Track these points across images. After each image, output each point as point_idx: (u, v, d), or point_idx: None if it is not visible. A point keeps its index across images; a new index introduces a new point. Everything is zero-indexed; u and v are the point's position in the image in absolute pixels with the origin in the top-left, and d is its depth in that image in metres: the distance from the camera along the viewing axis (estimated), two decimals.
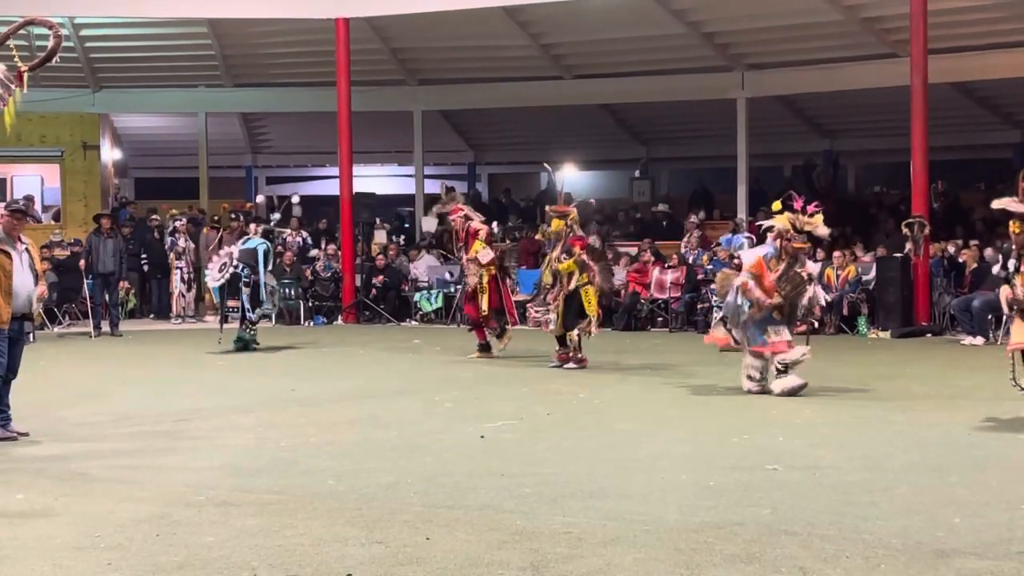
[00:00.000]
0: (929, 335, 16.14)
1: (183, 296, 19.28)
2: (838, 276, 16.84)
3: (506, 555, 5.18)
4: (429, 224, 21.46)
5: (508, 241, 14.95)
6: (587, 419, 9.15)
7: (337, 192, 20.16)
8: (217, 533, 5.60)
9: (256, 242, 14.72)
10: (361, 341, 16.09)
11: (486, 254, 13.38)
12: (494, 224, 16.82)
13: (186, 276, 19.25)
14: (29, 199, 17.70)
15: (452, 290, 18.73)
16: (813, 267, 11.01)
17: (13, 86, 7.35)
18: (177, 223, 19.53)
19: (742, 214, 21.07)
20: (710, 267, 17.50)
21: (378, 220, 22.40)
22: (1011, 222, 8.70)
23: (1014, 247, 8.90)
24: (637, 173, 26.86)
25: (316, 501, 6.25)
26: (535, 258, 18.32)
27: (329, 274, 19.68)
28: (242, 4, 19.57)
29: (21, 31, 7.68)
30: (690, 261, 18.35)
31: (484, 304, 13.36)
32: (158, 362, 13.79)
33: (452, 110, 25.07)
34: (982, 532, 5.52)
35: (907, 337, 15.90)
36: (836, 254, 16.85)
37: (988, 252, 16.58)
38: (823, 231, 10.69)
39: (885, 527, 5.61)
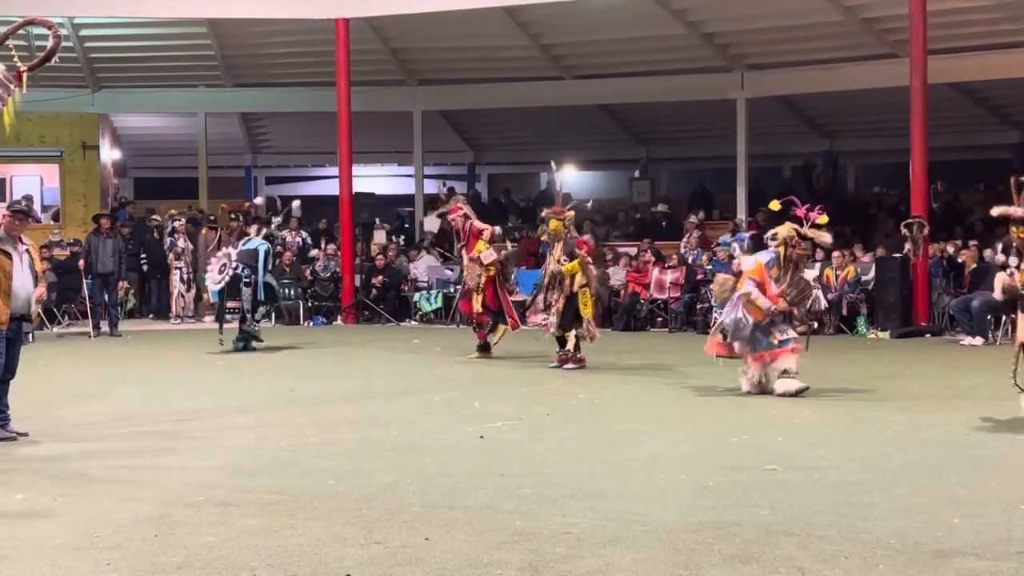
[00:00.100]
0: (928, 335, 16.15)
1: (182, 296, 19.28)
2: (837, 276, 16.85)
3: (505, 555, 5.19)
4: (431, 224, 21.45)
5: (509, 243, 14.94)
6: (586, 419, 9.16)
7: (337, 192, 20.17)
8: (216, 533, 5.60)
9: (256, 242, 14.72)
10: (361, 341, 16.09)
11: (488, 255, 13.40)
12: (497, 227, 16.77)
13: (185, 276, 19.25)
14: (28, 199, 17.68)
15: (452, 290, 18.73)
16: (810, 273, 11.05)
17: (12, 86, 7.35)
18: (176, 223, 19.53)
19: (742, 214, 21.09)
20: (709, 267, 17.50)
21: (377, 220, 22.42)
22: (1012, 227, 8.71)
23: (1015, 245, 8.92)
24: (637, 173, 26.86)
25: (316, 501, 6.25)
26: (535, 258, 18.34)
27: (329, 274, 19.69)
28: (242, 4, 19.57)
29: (20, 31, 7.68)
30: (690, 261, 18.35)
31: (477, 304, 13.40)
32: (157, 362, 13.79)
33: (452, 110, 25.07)
34: (981, 532, 5.52)
35: (906, 337, 15.91)
36: (835, 254, 16.85)
37: (987, 253, 16.59)
38: (827, 239, 10.73)
39: (884, 527, 5.61)
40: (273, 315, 17.92)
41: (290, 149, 28.15)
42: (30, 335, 8.79)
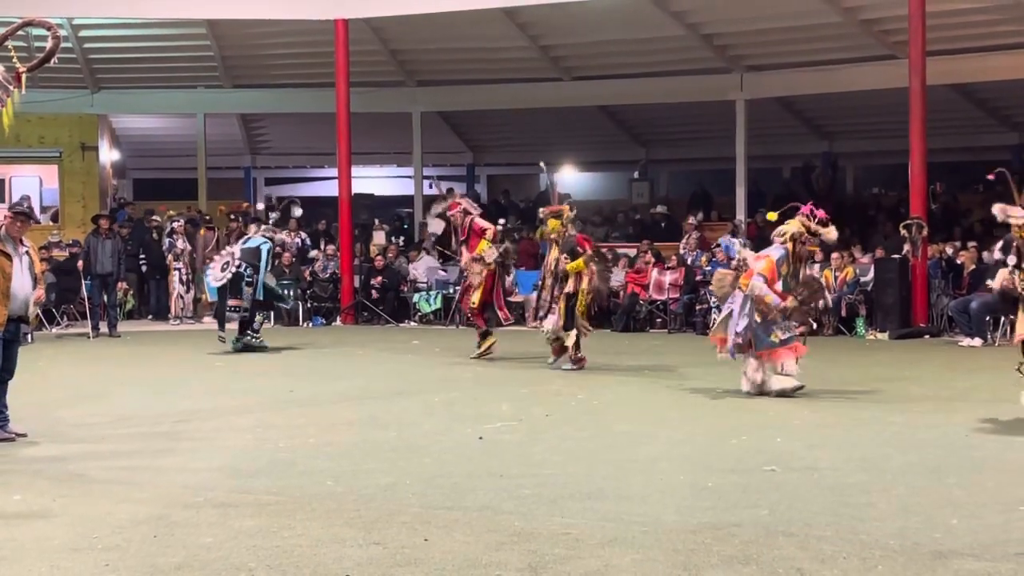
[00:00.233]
0: (927, 336, 16.15)
1: (181, 297, 19.27)
2: (836, 277, 16.85)
3: (504, 556, 5.19)
4: (435, 227, 21.41)
5: (509, 242, 14.98)
6: (586, 420, 9.16)
7: (336, 193, 20.17)
8: (215, 534, 5.61)
9: (258, 241, 14.72)
10: (360, 342, 16.09)
11: (491, 253, 13.41)
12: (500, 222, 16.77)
13: (184, 277, 19.24)
14: (25, 199, 17.66)
15: (451, 291, 18.73)
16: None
17: (11, 87, 7.35)
18: (175, 224, 19.53)
19: (741, 215, 21.10)
20: (709, 268, 17.49)
21: (376, 221, 22.42)
22: (1015, 228, 8.73)
23: (1015, 244, 8.94)
24: (636, 175, 26.85)
25: (314, 502, 6.25)
26: (535, 259, 18.35)
27: (328, 275, 19.69)
28: (241, 5, 19.56)
29: (20, 32, 7.68)
30: (689, 262, 18.35)
31: (475, 298, 13.41)
32: (156, 363, 13.78)
33: (451, 111, 25.07)
34: (979, 533, 5.53)
35: (905, 338, 15.91)
36: (834, 255, 16.86)
37: (986, 254, 16.59)
38: (832, 236, 10.75)
39: (882, 528, 5.62)
40: (272, 315, 17.90)
41: (289, 150, 28.15)
42: (29, 336, 8.77)
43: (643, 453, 7.68)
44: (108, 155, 24.80)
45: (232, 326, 14.90)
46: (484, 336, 13.56)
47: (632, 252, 19.40)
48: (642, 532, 5.56)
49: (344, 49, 19.57)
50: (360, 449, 7.91)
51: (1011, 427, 8.52)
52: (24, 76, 7.41)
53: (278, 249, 16.69)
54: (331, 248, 20.11)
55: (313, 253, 20.44)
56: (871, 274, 17.03)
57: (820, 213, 10.44)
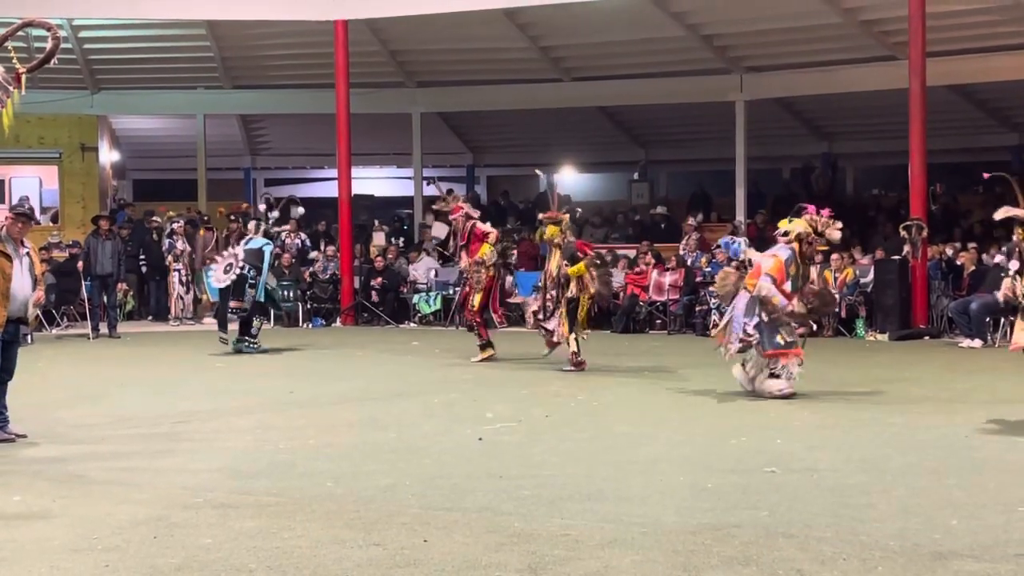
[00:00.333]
0: (927, 338, 16.15)
1: (181, 298, 19.27)
2: (836, 278, 16.84)
3: (504, 557, 5.19)
4: (439, 231, 21.35)
5: (508, 241, 15.00)
6: (585, 421, 9.16)
7: (336, 194, 20.17)
8: (215, 535, 5.61)
9: (260, 242, 14.72)
10: (360, 343, 16.08)
11: (492, 255, 13.41)
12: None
13: (184, 278, 19.24)
14: (25, 200, 17.67)
15: (451, 292, 18.73)
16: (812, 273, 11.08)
17: (11, 88, 7.35)
18: (175, 225, 19.53)
19: (741, 216, 21.09)
20: (708, 269, 17.50)
21: (376, 222, 22.42)
22: (1017, 229, 8.73)
23: (1018, 248, 8.95)
24: (636, 175, 26.85)
25: (314, 503, 6.25)
26: (534, 261, 18.35)
27: (328, 276, 19.69)
28: (241, 6, 19.57)
29: (19, 32, 7.68)
30: (689, 263, 18.34)
31: (476, 300, 13.40)
32: (156, 364, 13.78)
33: (451, 112, 25.08)
34: (979, 534, 5.53)
35: (905, 340, 15.90)
36: (834, 256, 16.85)
37: (985, 257, 16.60)
38: (837, 235, 10.75)
39: (882, 529, 5.62)
40: (272, 317, 17.88)
41: (289, 151, 28.16)
42: (28, 337, 8.77)
43: (643, 454, 7.68)
44: (108, 156, 24.81)
45: (233, 327, 14.90)
46: (483, 348, 13.55)
47: (632, 253, 19.39)
48: (642, 533, 5.56)
49: (344, 50, 19.58)
50: (360, 450, 7.91)
51: (1011, 428, 8.53)
52: (24, 77, 7.41)
53: (278, 250, 16.70)
54: (331, 249, 20.11)
55: (313, 254, 20.44)
56: (871, 275, 17.03)
57: (826, 212, 10.44)
